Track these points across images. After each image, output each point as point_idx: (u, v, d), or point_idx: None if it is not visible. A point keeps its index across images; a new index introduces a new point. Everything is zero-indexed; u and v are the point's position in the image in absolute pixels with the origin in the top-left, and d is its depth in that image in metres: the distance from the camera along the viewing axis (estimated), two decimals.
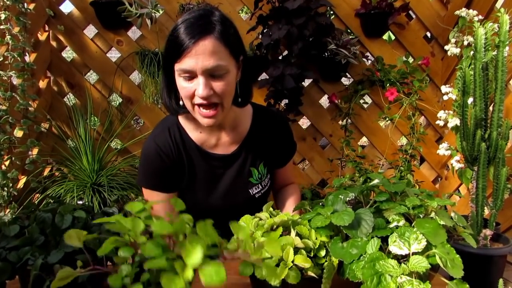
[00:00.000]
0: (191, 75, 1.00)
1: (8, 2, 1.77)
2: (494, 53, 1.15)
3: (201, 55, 0.97)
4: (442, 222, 0.83)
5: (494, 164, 1.18)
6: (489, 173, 1.20)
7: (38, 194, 1.96)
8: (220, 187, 1.20)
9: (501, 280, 0.83)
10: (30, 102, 1.93)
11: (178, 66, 1.00)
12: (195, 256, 0.54)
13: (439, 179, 2.65)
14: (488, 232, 1.19)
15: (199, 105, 1.03)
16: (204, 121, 1.06)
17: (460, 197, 1.13)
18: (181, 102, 1.08)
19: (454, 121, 1.59)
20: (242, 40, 1.12)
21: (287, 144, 1.33)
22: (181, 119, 1.19)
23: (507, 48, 1.16)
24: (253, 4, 2.17)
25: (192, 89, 1.01)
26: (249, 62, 1.15)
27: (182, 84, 1.02)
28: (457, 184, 2.38)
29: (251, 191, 1.23)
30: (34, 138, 1.92)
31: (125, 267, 0.59)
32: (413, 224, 0.83)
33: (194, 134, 1.17)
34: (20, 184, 2.03)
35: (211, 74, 1.00)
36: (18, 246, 0.80)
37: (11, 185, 1.76)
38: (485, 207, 1.21)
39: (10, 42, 1.78)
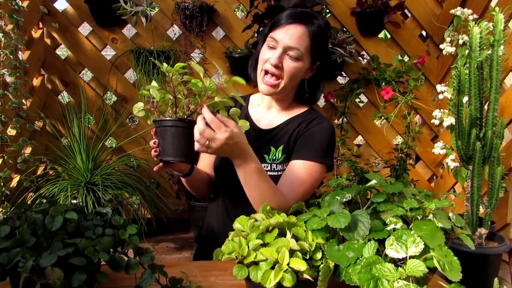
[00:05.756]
0: (274, 46, 1.24)
1: (0, 0, 1.74)
2: (489, 52, 1.15)
3: (289, 33, 1.22)
4: (440, 225, 0.82)
5: (489, 163, 1.18)
6: (484, 172, 1.19)
7: (31, 193, 1.94)
8: None
9: (496, 279, 0.83)
10: (23, 101, 1.91)
11: (270, 34, 1.26)
12: None
13: (435, 177, 2.65)
14: (483, 231, 1.18)
15: (266, 71, 1.26)
16: (263, 87, 1.28)
17: (456, 196, 1.13)
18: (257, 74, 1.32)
19: (450, 120, 1.59)
20: (327, 52, 1.41)
21: (312, 143, 1.29)
22: (252, 96, 1.47)
23: (501, 47, 1.15)
24: (249, 2, 2.16)
25: (268, 56, 1.25)
26: (324, 73, 1.38)
27: (264, 50, 1.28)
28: (452, 183, 2.39)
29: None
30: (28, 136, 1.89)
31: None
32: (410, 227, 0.82)
33: (252, 107, 1.43)
34: (13, 183, 2.01)
35: (287, 52, 1.24)
36: (9, 248, 0.77)
37: (2, 184, 1.74)
38: (480, 206, 1.20)
39: (2, 39, 1.76)
